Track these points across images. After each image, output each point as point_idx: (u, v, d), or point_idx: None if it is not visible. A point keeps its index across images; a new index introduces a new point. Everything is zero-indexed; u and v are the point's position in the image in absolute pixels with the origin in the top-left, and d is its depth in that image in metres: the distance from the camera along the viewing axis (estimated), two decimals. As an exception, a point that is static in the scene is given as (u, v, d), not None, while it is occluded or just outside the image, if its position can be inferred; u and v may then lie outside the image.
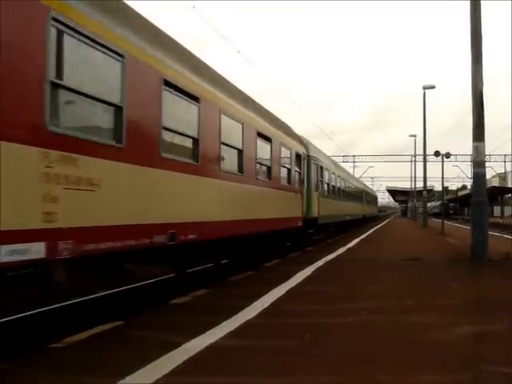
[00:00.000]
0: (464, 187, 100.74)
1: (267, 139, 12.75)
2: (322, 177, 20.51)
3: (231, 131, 10.20)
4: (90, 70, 5.89)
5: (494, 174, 74.45)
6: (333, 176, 23.93)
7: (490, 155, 59.87)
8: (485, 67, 12.50)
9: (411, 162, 59.94)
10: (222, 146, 9.62)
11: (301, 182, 16.75)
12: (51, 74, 5.09)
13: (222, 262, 11.94)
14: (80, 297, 8.16)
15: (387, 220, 68.08)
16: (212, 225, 9.06)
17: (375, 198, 66.41)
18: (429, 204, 59.05)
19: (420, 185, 49.69)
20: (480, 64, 12.47)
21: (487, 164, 25.61)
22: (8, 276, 4.90)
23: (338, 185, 25.82)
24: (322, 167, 20.55)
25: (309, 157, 18.14)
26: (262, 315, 6.01)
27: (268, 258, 13.45)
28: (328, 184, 22.45)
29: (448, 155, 28.55)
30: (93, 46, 5.80)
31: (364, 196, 42.67)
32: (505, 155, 64.58)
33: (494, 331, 5.31)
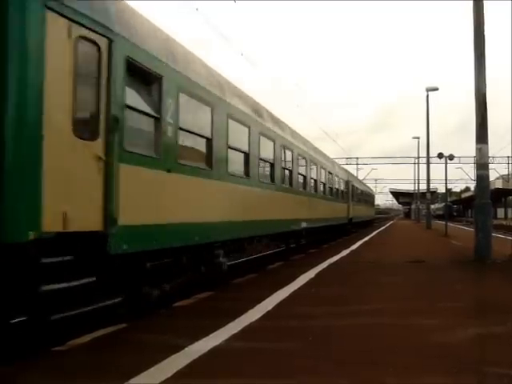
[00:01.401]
0: (467, 189, 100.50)
1: None
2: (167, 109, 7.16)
3: None
4: None
5: (498, 175, 74.28)
6: (243, 130, 10.67)
7: (493, 157, 59.57)
8: (489, 68, 12.49)
9: (414, 164, 59.87)
10: None
11: None
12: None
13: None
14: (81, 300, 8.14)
15: (390, 222, 68.00)
16: None
17: (371, 197, 52.32)
18: (432, 206, 58.93)
19: (423, 187, 49.58)
20: (483, 66, 12.45)
21: (491, 166, 25.52)
22: None
23: (271, 155, 12.61)
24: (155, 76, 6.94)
25: None
26: (265, 318, 6.01)
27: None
28: (210, 145, 8.81)
29: (451, 157, 28.42)
30: None
31: (351, 192, 29.39)
32: (508, 157, 64.40)
33: (498, 333, 5.29)
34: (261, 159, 11.65)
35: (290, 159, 14.45)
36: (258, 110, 12.06)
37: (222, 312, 6.48)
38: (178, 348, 4.57)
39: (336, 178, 23.77)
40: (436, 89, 37.65)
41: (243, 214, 10.29)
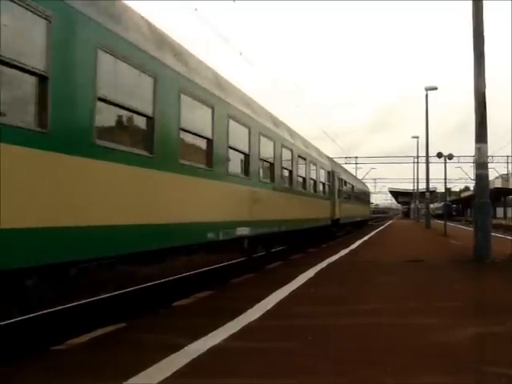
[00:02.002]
0: (467, 188, 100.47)
1: None
2: None
3: None
4: None
5: (497, 175, 74.30)
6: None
7: (492, 156, 59.67)
8: (488, 68, 12.49)
9: (414, 163, 59.91)
10: None
11: None
12: None
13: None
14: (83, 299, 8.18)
15: (389, 222, 68.06)
16: None
17: (366, 194, 44.90)
18: (431, 205, 58.88)
19: (423, 186, 49.59)
20: (482, 65, 12.44)
21: (490, 165, 25.49)
22: None
23: (147, 106, 6.84)
24: None
25: None
26: (264, 317, 6.00)
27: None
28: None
29: (450, 156, 28.46)
30: None
31: (338, 187, 23.87)
32: (507, 156, 64.44)
33: (497, 333, 5.29)
34: (117, 105, 6.25)
35: (210, 125, 8.87)
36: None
37: (221, 311, 6.47)
38: (177, 347, 4.56)
39: (313, 167, 18.11)
40: (435, 88, 37.71)
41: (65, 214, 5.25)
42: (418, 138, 51.82)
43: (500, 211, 69.89)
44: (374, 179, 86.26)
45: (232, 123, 9.90)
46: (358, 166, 68.73)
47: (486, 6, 12.50)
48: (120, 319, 6.25)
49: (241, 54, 23.90)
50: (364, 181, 58.01)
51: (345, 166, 41.50)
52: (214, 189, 9.03)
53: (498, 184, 71.63)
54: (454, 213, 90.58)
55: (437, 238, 24.94)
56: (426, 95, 37.84)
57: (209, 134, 8.85)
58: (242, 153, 10.74)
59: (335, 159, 33.30)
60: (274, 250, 15.52)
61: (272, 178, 12.88)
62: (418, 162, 55.38)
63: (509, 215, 66.50)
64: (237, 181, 10.25)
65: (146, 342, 4.98)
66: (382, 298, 7.37)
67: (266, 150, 12.44)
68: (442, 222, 31.70)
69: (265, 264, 12.87)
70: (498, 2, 18.04)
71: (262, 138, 11.90)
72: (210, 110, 8.89)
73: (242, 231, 10.28)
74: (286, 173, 14.53)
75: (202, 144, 8.80)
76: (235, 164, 10.49)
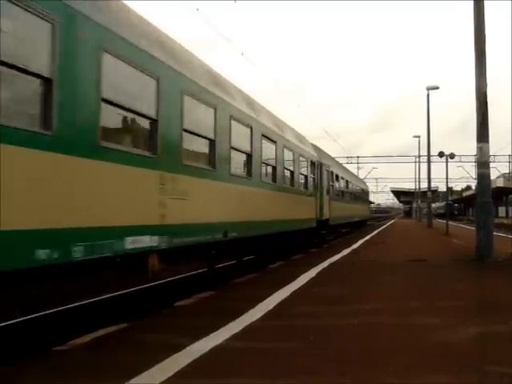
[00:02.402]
0: (468, 188, 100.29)
1: None
2: None
3: None
4: None
5: (499, 174, 74.23)
6: None
7: (494, 156, 59.52)
8: (489, 68, 12.45)
9: (415, 162, 59.92)
10: None
11: None
12: None
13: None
14: (85, 299, 8.19)
15: (391, 221, 68.02)
16: None
17: (363, 192, 40.17)
18: (433, 205, 58.84)
19: (424, 185, 49.57)
20: (484, 65, 12.42)
21: (492, 164, 25.34)
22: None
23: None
24: None
25: None
26: (266, 317, 6.00)
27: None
28: None
29: (452, 156, 28.43)
30: None
31: (327, 181, 20.52)
32: (509, 155, 64.37)
33: (500, 332, 5.28)
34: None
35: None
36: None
37: (222, 311, 6.47)
38: (179, 347, 4.56)
39: (288, 153, 14.33)
40: (437, 87, 37.69)
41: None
42: (419, 137, 51.80)
43: (502, 210, 69.88)
44: (376, 179, 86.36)
45: (107, 59, 5.89)
46: (360, 165, 68.74)
47: (487, 5, 12.48)
48: (122, 319, 6.26)
49: (242, 54, 23.81)
50: (366, 180, 57.98)
51: (347, 166, 41.29)
52: (55, 171, 5.07)
53: (500, 183, 71.50)
54: (456, 212, 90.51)
55: (439, 237, 24.92)
56: (428, 95, 37.87)
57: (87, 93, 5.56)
58: (141, 116, 6.74)
59: (337, 159, 32.93)
60: (245, 258, 12.87)
61: (212, 163, 8.92)
62: (419, 162, 55.40)
63: (511, 214, 66.42)
64: (130, 160, 6.30)
65: (148, 342, 4.98)
66: (383, 298, 7.37)
67: (200, 119, 8.48)
68: (444, 221, 31.63)
69: (267, 264, 12.86)
70: (500, 1, 18.02)
71: (187, 99, 7.87)
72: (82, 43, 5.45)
73: (142, 243, 6.46)
74: (240, 157, 10.55)
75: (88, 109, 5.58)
76: (123, 133, 6.65)
